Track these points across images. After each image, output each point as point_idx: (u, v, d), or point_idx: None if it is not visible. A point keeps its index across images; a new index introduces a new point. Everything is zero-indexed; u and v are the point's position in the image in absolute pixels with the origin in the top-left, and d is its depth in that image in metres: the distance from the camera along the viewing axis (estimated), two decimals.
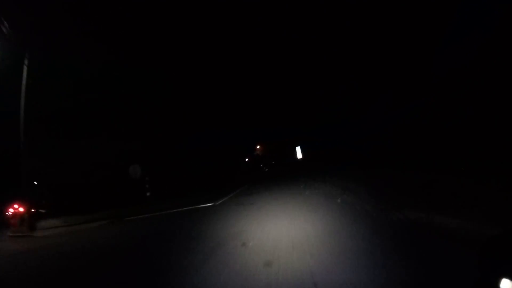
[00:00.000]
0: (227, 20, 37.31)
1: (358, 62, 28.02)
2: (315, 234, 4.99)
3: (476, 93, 13.69)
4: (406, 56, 20.19)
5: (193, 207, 12.06)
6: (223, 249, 4.82)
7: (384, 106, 23.93)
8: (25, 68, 11.62)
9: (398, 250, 3.86)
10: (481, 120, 13.30)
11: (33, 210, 22.98)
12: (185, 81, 29.84)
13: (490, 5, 13.27)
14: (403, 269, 3.29)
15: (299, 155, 52.19)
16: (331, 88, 34.22)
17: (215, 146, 34.11)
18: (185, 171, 26.74)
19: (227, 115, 38.66)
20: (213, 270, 3.98)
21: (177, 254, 4.97)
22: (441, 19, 16.43)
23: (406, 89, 20.15)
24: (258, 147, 63.04)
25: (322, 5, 29.40)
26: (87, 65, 19.79)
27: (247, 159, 60.75)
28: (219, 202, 12.58)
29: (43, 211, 21.81)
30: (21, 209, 19.69)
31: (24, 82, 11.59)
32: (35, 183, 18.69)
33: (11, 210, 18.67)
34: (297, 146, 51.27)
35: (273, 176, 30.34)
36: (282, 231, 5.39)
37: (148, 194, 16.82)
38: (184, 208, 12.08)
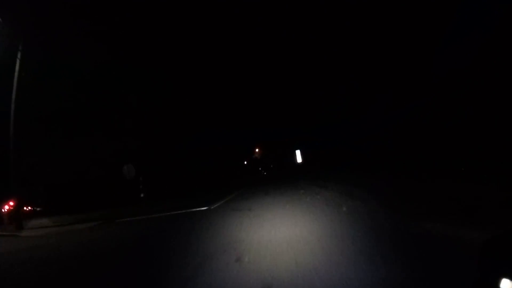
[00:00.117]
0: (227, 20, 37.36)
1: (358, 62, 28.05)
2: (321, 248, 4.24)
3: (476, 93, 13.69)
4: (406, 56, 20.21)
5: (187, 210, 11.43)
6: (214, 264, 4.09)
7: (384, 106, 23.96)
8: (18, 62, 11.47)
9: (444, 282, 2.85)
10: (481, 120, 13.31)
11: (30, 208, 23.18)
12: (185, 81, 29.91)
13: (490, 5, 13.28)
14: None
15: (298, 159, 51.23)
16: (331, 88, 34.27)
17: (214, 146, 34.16)
18: (183, 172, 26.68)
19: (227, 115, 38.71)
20: None
21: (160, 267, 4.37)
22: (441, 19, 16.44)
23: (406, 89, 20.16)
24: (257, 150, 62.56)
25: (322, 5, 29.42)
26: (86, 64, 19.85)
27: (245, 162, 60.46)
28: (215, 206, 11.86)
29: (39, 209, 22.04)
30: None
31: (16, 75, 11.40)
32: (27, 181, 18.72)
33: (6, 207, 18.78)
34: (297, 149, 50.45)
35: (272, 180, 29.71)
36: (283, 244, 4.66)
37: (142, 195, 16.17)
38: (177, 212, 11.52)
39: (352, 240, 4.45)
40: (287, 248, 4.41)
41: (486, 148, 12.21)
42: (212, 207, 11.34)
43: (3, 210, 17.97)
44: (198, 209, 11.37)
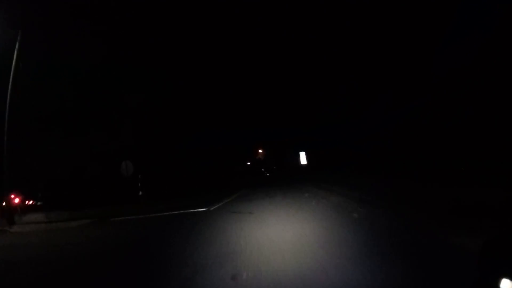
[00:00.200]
0: (227, 20, 37.38)
1: (358, 62, 28.06)
2: (335, 267, 3.40)
3: (476, 93, 13.69)
4: (406, 56, 20.21)
5: (185, 211, 10.79)
6: (206, 279, 3.49)
7: (384, 106, 23.96)
8: (15, 52, 11.41)
9: None
10: (481, 120, 13.31)
11: (32, 202, 23.55)
12: (185, 81, 29.91)
13: (490, 5, 13.28)
14: None
15: (303, 160, 49.51)
16: (331, 88, 34.27)
17: (215, 146, 34.14)
18: (183, 171, 26.61)
19: (227, 115, 38.69)
20: None
21: (144, 278, 3.85)
22: (441, 19, 16.44)
23: (406, 89, 20.16)
24: (260, 151, 62.34)
25: (322, 5, 29.43)
26: (85, 64, 19.88)
27: (248, 163, 60.39)
28: (215, 207, 11.17)
29: (39, 203, 22.32)
30: (16, 200, 20.07)
31: (13, 65, 11.32)
32: (28, 177, 18.90)
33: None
34: (301, 151, 49.00)
35: (275, 181, 29.12)
36: (289, 258, 3.87)
37: (140, 193, 15.50)
38: (175, 212, 10.91)
39: (373, 259, 3.49)
40: (294, 264, 3.62)
41: (486, 148, 12.21)
42: (211, 209, 10.76)
43: (3, 204, 18.32)
44: (196, 210, 10.79)
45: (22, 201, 21.64)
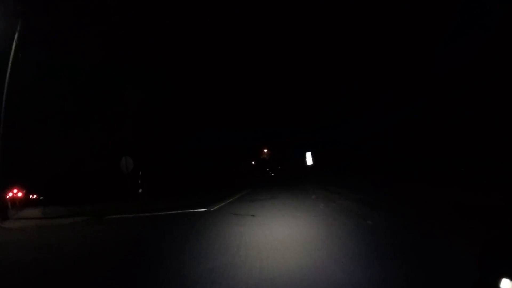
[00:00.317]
0: (227, 20, 37.38)
1: (358, 62, 28.08)
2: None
3: (476, 93, 13.69)
4: (406, 56, 20.23)
5: (184, 211, 10.42)
6: None
7: (384, 106, 23.98)
8: (14, 43, 11.35)
9: None
10: (481, 120, 13.31)
11: (35, 196, 23.88)
12: (185, 81, 29.92)
13: (490, 5, 13.28)
14: None
15: (309, 160, 48.27)
16: (331, 88, 34.29)
17: (215, 146, 34.15)
18: (185, 170, 26.56)
19: (227, 115, 38.71)
20: None
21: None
22: (441, 19, 16.45)
23: (406, 89, 20.17)
24: (265, 150, 62.15)
25: (321, 5, 29.44)
26: (86, 64, 19.94)
27: (253, 162, 60.30)
28: (216, 207, 10.67)
29: (41, 197, 22.47)
30: (19, 194, 20.39)
31: (12, 55, 11.26)
32: (32, 172, 19.20)
33: (9, 194, 19.56)
34: (307, 151, 48.08)
35: (279, 182, 28.36)
36: (297, 276, 3.22)
37: (140, 190, 15.25)
38: (173, 212, 10.55)
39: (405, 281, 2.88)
40: (304, 286, 2.98)
41: (486, 148, 12.22)
42: (212, 209, 10.22)
43: (7, 197, 18.81)
44: (196, 210, 10.32)
45: (26, 195, 21.96)
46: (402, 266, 3.29)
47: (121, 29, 22.74)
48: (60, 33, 19.32)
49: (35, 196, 24.26)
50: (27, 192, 22.01)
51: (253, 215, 7.77)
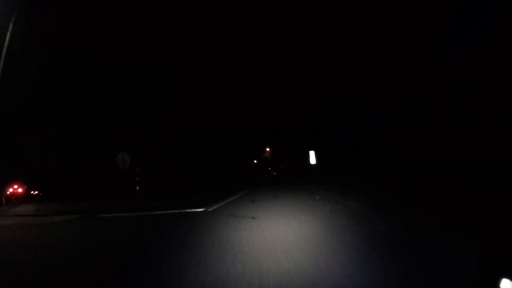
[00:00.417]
0: (227, 20, 37.37)
1: (358, 62, 28.07)
2: None
3: (476, 93, 13.69)
4: (406, 56, 20.22)
5: (180, 211, 9.94)
6: None
7: (384, 106, 23.95)
8: (8, 34, 11.30)
9: None
10: (481, 120, 13.31)
11: (36, 192, 24.04)
12: (185, 81, 29.89)
13: (490, 5, 13.28)
14: None
15: (312, 160, 47.73)
16: (331, 88, 34.29)
17: (216, 146, 34.12)
18: (184, 170, 26.50)
19: (227, 115, 38.68)
20: None
21: None
22: (441, 19, 16.45)
23: (406, 89, 20.16)
24: (267, 149, 62.07)
25: (322, 5, 29.42)
26: (86, 63, 19.99)
27: (255, 161, 60.28)
28: (214, 208, 10.13)
29: (41, 194, 22.58)
30: (20, 190, 20.54)
31: (5, 46, 11.22)
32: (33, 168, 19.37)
33: (10, 190, 19.71)
34: (311, 150, 47.68)
35: (282, 181, 28.15)
36: None
37: (137, 188, 14.85)
38: (169, 212, 10.07)
39: None
40: None
41: (486, 148, 12.21)
42: (209, 209, 9.72)
43: (7, 193, 19.02)
44: (193, 210, 9.82)
45: (27, 191, 22.05)
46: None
47: (121, 29, 22.73)
48: (60, 33, 19.34)
49: (36, 192, 24.40)
50: (28, 188, 22.12)
51: (253, 217, 7.23)
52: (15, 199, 19.45)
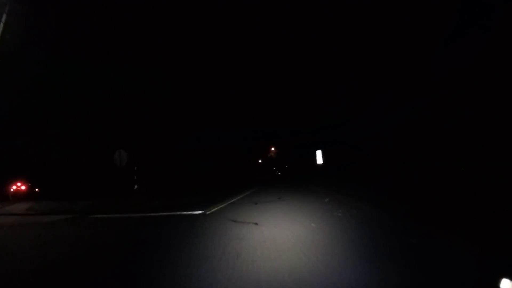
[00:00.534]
0: (227, 20, 37.38)
1: (358, 62, 28.08)
2: None
3: (476, 93, 13.70)
4: (406, 56, 20.22)
5: (176, 213, 9.32)
6: None
7: (384, 106, 23.94)
8: (1, 25, 11.24)
9: None
10: (481, 120, 13.31)
11: (37, 189, 24.05)
12: (185, 81, 29.89)
13: (490, 5, 13.28)
14: None
15: (319, 160, 44.65)
16: (331, 88, 34.31)
17: (216, 146, 34.10)
18: (184, 169, 26.44)
19: (227, 115, 38.68)
20: None
21: None
22: (441, 19, 16.45)
23: (406, 89, 20.16)
24: (272, 149, 61.81)
25: (322, 5, 29.43)
26: (86, 63, 20.02)
27: (260, 161, 60.19)
28: (213, 210, 9.37)
29: (42, 191, 22.60)
30: (23, 187, 20.55)
31: None
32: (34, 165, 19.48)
33: (13, 187, 19.76)
34: (317, 150, 46.19)
35: (287, 181, 27.50)
36: None
37: (135, 187, 14.45)
38: (164, 213, 9.46)
39: None
40: None
41: (486, 148, 12.22)
42: (208, 212, 8.99)
43: (11, 190, 19.11)
44: (190, 212, 9.16)
45: (30, 189, 22.00)
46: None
47: (121, 29, 22.75)
48: (60, 33, 19.36)
49: (37, 190, 24.42)
50: (32, 186, 22.10)
51: (255, 223, 6.44)
52: (19, 197, 19.48)
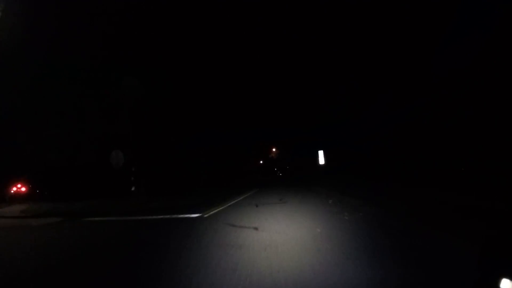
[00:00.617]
0: (227, 20, 37.35)
1: (358, 62, 28.09)
2: None
3: (476, 93, 13.70)
4: (406, 56, 20.23)
5: (172, 216, 8.88)
6: None
7: (384, 106, 23.95)
8: None
9: None
10: (481, 120, 13.32)
11: (38, 191, 24.02)
12: (185, 81, 29.89)
13: (490, 5, 13.28)
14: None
15: (321, 160, 45.45)
16: (331, 88, 34.31)
17: (216, 146, 34.10)
18: (183, 169, 26.40)
19: (227, 115, 38.66)
20: None
21: None
22: (441, 19, 16.45)
23: (406, 89, 20.17)
24: (273, 150, 61.67)
25: (322, 5, 29.42)
26: (86, 63, 20.03)
27: (261, 161, 60.02)
28: (211, 213, 8.97)
29: (46, 192, 22.57)
30: (23, 189, 20.52)
31: None
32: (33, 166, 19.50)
33: (14, 188, 19.72)
34: (319, 150, 45.83)
35: (289, 182, 27.16)
36: None
37: (133, 188, 14.21)
38: (159, 216, 9.03)
39: None
40: None
41: (486, 148, 12.23)
42: (205, 215, 8.56)
43: (11, 191, 19.10)
44: (187, 215, 8.74)
45: (31, 190, 21.97)
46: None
47: (121, 29, 22.75)
48: (60, 33, 19.36)
49: (37, 191, 24.46)
50: (32, 187, 22.05)
51: (256, 228, 5.99)
52: (19, 198, 19.48)
